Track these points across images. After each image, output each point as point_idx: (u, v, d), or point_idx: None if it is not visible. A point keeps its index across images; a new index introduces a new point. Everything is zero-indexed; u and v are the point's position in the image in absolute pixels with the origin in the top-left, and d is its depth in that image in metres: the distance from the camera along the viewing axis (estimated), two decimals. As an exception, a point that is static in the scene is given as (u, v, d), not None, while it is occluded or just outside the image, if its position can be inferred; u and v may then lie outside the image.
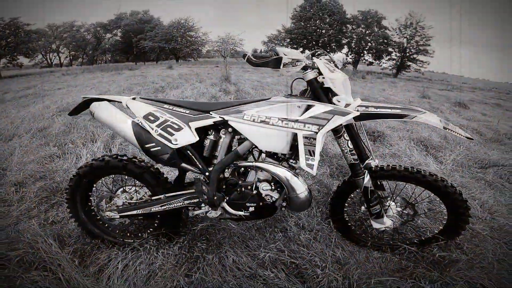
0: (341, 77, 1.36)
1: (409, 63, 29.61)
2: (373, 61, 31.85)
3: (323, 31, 32.92)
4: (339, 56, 1.56)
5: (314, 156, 1.31)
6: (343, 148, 1.44)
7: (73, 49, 48.23)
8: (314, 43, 33.61)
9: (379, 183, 1.55)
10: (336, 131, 1.42)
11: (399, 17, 30.73)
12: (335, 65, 1.47)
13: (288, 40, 34.61)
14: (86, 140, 3.42)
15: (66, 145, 3.28)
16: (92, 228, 1.65)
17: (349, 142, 1.43)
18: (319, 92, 1.37)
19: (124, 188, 1.63)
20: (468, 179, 2.63)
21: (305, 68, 1.35)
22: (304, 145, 1.32)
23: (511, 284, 1.39)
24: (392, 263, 1.53)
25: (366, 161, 1.50)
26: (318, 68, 1.35)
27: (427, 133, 3.93)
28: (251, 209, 1.47)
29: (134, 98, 1.51)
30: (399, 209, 1.56)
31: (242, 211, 1.49)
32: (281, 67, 1.24)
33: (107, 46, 44.39)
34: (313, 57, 1.43)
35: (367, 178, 1.45)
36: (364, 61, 32.50)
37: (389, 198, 1.56)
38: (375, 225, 1.53)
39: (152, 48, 33.63)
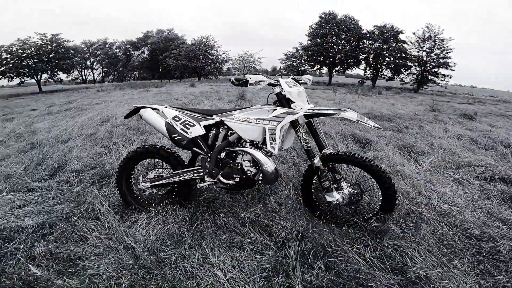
0: (296, 90, 2.02)
1: (430, 77, 28.93)
2: (392, 76, 31.51)
3: (340, 47, 33.46)
4: (306, 77, 2.34)
5: (275, 141, 1.97)
6: (300, 138, 2.07)
7: (106, 65, 52.30)
8: (331, 59, 34.08)
9: (335, 167, 2.14)
10: (294, 126, 2.06)
11: (416, 30, 30.28)
12: (297, 81, 2.16)
13: (305, 57, 35.37)
14: (125, 143, 4.29)
15: (110, 146, 4.15)
16: (129, 199, 2.37)
17: (304, 134, 2.06)
18: (283, 101, 2.05)
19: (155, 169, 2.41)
20: (436, 177, 3.11)
21: (273, 85, 2.04)
22: (269, 135, 1.98)
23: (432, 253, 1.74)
24: (342, 233, 1.99)
25: (323, 150, 2.12)
26: (281, 85, 2.04)
27: (412, 140, 4.41)
28: (237, 179, 2.14)
29: (166, 107, 2.28)
30: (350, 188, 2.09)
31: (230, 180, 2.15)
32: (248, 86, 1.92)
33: (135, 64, 47.70)
34: (280, 77, 2.10)
35: (317, 159, 2.06)
36: (383, 76, 32.28)
37: (342, 179, 2.11)
38: (328, 198, 2.05)
39: (176, 66, 35.45)
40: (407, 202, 2.39)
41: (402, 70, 30.65)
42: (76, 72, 48.03)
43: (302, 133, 2.06)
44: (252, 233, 1.99)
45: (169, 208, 2.24)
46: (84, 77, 52.23)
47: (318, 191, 2.29)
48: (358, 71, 35.32)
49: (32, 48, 29.46)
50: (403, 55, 30.13)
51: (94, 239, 1.88)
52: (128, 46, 48.24)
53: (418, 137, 4.85)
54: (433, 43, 28.05)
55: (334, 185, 2.10)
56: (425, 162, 3.55)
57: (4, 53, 28.16)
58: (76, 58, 37.08)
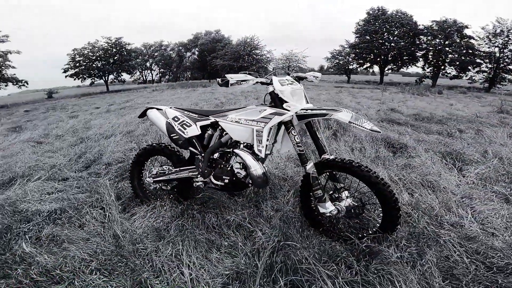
0: (289, 89, 1.86)
1: (504, 75, 25.01)
2: (458, 74, 27.98)
3: (392, 44, 30.82)
4: (312, 74, 2.17)
5: (261, 144, 1.86)
6: (292, 141, 1.89)
7: (162, 66, 57.00)
8: (383, 57, 31.65)
9: (336, 175, 1.94)
10: (286, 128, 1.90)
11: (485, 25, 26.14)
12: (298, 79, 2.01)
13: (353, 55, 33.44)
14: (155, 140, 4.57)
15: (141, 143, 4.47)
16: (138, 192, 2.53)
17: (296, 136, 1.87)
18: (275, 100, 1.90)
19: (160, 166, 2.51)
20: (478, 191, 2.63)
21: (267, 84, 1.90)
22: (256, 136, 1.88)
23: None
24: (326, 249, 1.75)
25: (322, 155, 1.93)
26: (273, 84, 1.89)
27: (462, 146, 3.81)
28: (226, 181, 2.08)
29: (170, 107, 2.35)
30: (350, 200, 1.86)
31: (220, 181, 2.10)
32: (230, 86, 1.80)
33: (187, 64, 50.93)
34: (273, 76, 1.96)
35: (309, 165, 1.86)
36: (446, 74, 28.86)
37: (342, 189, 1.90)
38: (320, 209, 1.85)
39: (223, 66, 36.67)
40: (426, 219, 2.05)
41: (469, 67, 27.00)
42: (137, 73, 53.22)
43: (295, 135, 1.88)
44: (234, 237, 1.93)
45: (166, 203, 2.32)
46: (144, 77, 57.57)
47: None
48: (417, 69, 32.05)
49: (100, 51, 33.10)
50: (470, 51, 26.50)
51: (90, 226, 2.05)
52: (180, 47, 51.73)
53: (471, 143, 4.18)
54: (506, 39, 24.18)
55: (334, 195, 1.91)
56: (471, 173, 3.03)
57: (77, 56, 32.35)
58: (137, 60, 40.88)
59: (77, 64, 32.22)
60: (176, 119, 2.24)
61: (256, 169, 1.89)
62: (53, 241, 1.89)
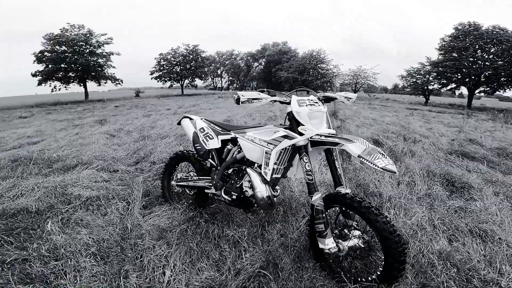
0: (306, 111, 1.73)
1: None
2: None
3: (487, 63, 26.28)
4: (343, 94, 2.01)
5: (268, 166, 1.79)
6: (302, 168, 1.74)
7: (231, 75, 61.12)
8: (473, 77, 27.29)
9: (347, 211, 1.74)
10: (299, 153, 1.76)
11: None
12: (316, 101, 1.82)
13: (435, 74, 29.61)
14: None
15: (187, 146, 4.83)
16: (165, 192, 2.73)
17: (307, 164, 1.72)
18: (292, 121, 1.80)
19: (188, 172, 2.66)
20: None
21: (287, 103, 1.81)
22: (265, 158, 1.82)
23: None
24: (319, 286, 1.63)
25: (337, 188, 1.75)
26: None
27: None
28: (234, 197, 2.07)
29: (201, 118, 2.47)
30: (357, 240, 1.64)
31: (228, 196, 2.10)
32: (240, 104, 1.73)
33: (254, 74, 53.37)
34: (294, 95, 1.86)
35: (316, 196, 1.69)
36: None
37: (352, 228, 1.69)
38: (320, 244, 1.66)
39: (287, 78, 37.04)
40: (453, 273, 1.67)
41: None
42: (209, 79, 58.15)
43: (306, 162, 1.74)
44: (227, 252, 1.91)
45: (182, 207, 2.46)
46: (214, 84, 62.46)
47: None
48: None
49: (180, 57, 37.21)
50: None
51: (111, 216, 2.30)
52: (249, 57, 54.59)
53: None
54: None
55: (343, 231, 1.72)
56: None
57: (162, 60, 37.02)
58: (210, 67, 44.60)
59: (161, 68, 36.91)
60: (202, 130, 2.36)
61: (261, 191, 1.85)
62: (78, 224, 2.19)
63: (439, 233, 2.20)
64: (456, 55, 27.43)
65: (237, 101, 1.74)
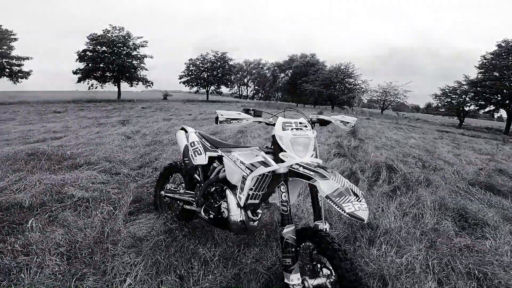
0: (289, 136, 1.60)
1: None
2: None
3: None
4: (340, 118, 1.89)
5: (243, 191, 1.70)
6: (278, 197, 1.63)
7: (257, 84, 61.87)
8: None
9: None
10: (277, 180, 1.64)
11: None
12: (305, 125, 1.69)
13: (472, 94, 27.71)
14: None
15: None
16: (156, 201, 2.75)
17: (284, 194, 1.59)
18: (275, 146, 1.67)
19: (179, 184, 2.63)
20: None
21: (272, 125, 1.71)
22: (241, 183, 1.73)
23: None
24: None
25: (315, 222, 1.63)
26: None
27: None
28: (211, 216, 2.01)
29: (196, 132, 2.45)
30: (325, 279, 1.48)
31: (206, 215, 2.06)
32: (218, 123, 1.66)
33: (279, 85, 53.57)
34: (280, 116, 1.75)
35: (288, 229, 1.55)
36: None
37: (323, 266, 1.53)
38: (285, 278, 1.54)
39: (312, 91, 36.52)
40: None
41: None
42: (236, 87, 59.35)
43: (282, 192, 1.61)
44: (193, 270, 1.87)
45: (166, 218, 2.47)
46: (240, 92, 63.46)
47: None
48: None
49: (208, 64, 38.27)
50: None
51: (94, 218, 2.37)
52: (275, 67, 54.99)
53: None
54: None
55: (315, 268, 1.56)
56: None
57: (191, 66, 38.35)
58: (236, 75, 45.53)
59: (190, 73, 38.26)
60: (192, 144, 2.33)
61: (234, 215, 1.78)
62: (60, 223, 2.27)
63: (430, 274, 1.98)
64: (497, 74, 25.52)
65: (216, 120, 1.68)
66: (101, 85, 29.48)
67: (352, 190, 1.41)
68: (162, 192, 2.64)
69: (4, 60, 25.89)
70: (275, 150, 1.69)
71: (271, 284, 1.80)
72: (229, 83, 41.07)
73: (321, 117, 1.91)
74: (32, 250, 1.86)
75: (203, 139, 2.34)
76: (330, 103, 36.37)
